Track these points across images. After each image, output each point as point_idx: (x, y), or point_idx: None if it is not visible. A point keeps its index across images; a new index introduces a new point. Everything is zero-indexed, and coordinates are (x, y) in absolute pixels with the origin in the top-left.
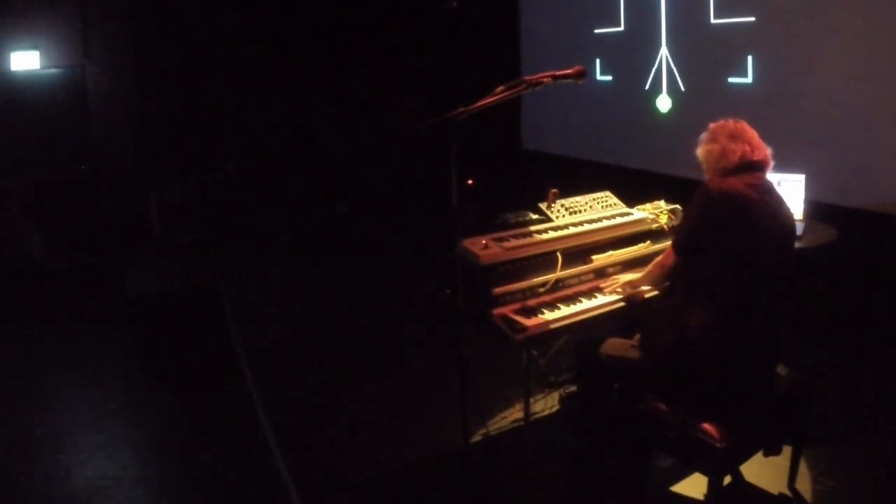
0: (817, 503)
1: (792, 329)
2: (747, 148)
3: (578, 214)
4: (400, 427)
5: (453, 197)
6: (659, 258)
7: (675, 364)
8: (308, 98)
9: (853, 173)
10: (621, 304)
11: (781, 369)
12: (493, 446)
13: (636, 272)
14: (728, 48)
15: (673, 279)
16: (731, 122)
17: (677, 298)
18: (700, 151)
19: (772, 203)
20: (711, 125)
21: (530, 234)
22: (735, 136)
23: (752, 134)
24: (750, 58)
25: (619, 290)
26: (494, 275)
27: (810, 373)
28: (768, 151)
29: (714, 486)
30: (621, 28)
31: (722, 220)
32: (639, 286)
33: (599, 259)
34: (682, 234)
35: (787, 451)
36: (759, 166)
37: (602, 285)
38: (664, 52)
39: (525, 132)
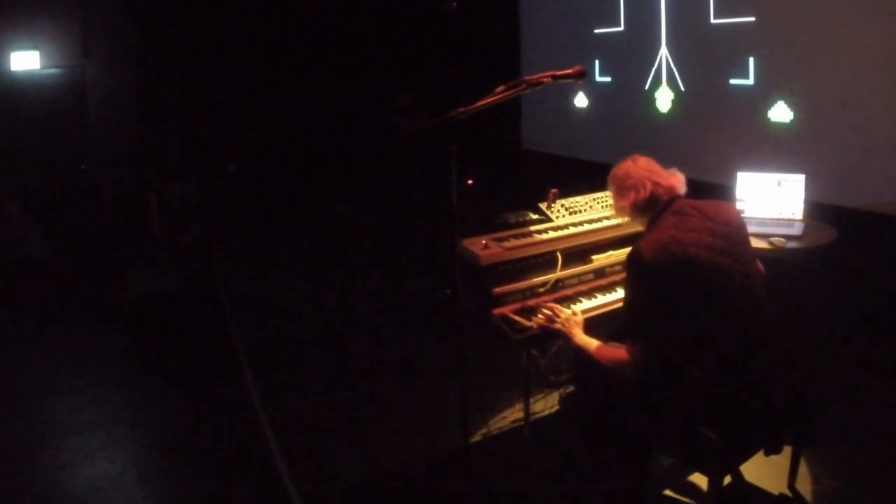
0: (817, 503)
1: (792, 329)
2: (657, 178)
3: (578, 214)
4: (400, 427)
5: (453, 197)
6: (618, 353)
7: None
8: (308, 98)
9: (853, 173)
10: (615, 306)
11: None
12: (493, 446)
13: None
14: (728, 48)
15: (644, 369)
16: (629, 162)
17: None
18: (618, 202)
19: (702, 222)
20: (616, 172)
21: (530, 234)
22: (652, 171)
23: (655, 166)
24: (751, 58)
25: (557, 323)
26: (494, 275)
27: (810, 373)
28: (679, 179)
29: (714, 486)
30: (621, 28)
31: (675, 287)
32: (577, 344)
33: (599, 259)
34: (639, 317)
35: (787, 451)
36: (670, 192)
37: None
38: (664, 52)
39: (525, 132)
